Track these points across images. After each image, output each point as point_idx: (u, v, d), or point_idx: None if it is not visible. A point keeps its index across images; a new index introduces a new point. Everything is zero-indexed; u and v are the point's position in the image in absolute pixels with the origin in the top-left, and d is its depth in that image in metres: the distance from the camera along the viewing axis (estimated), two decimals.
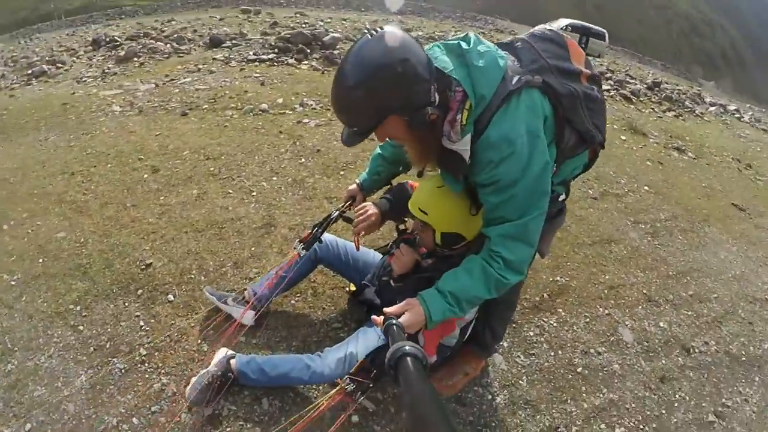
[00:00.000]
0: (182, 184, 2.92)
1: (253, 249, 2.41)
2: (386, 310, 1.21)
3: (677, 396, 2.20)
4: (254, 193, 2.91)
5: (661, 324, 2.67)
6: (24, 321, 1.91)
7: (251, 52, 6.56)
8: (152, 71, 6.08)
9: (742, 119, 11.99)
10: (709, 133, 8.40)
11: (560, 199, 1.46)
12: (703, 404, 2.21)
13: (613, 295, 2.80)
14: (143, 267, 2.21)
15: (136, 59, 6.45)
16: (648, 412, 2.07)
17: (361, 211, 1.63)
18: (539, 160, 1.13)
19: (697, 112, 10.06)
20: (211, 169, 3.13)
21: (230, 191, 2.89)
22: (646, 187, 4.43)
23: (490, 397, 1.92)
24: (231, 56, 6.64)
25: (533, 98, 1.14)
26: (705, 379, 2.37)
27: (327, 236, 1.93)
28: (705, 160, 6.19)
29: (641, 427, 1.99)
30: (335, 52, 6.92)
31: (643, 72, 15.56)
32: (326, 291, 2.22)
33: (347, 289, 2.13)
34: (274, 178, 3.14)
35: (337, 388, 1.40)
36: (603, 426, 1.94)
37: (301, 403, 1.65)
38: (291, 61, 6.31)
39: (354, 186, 1.79)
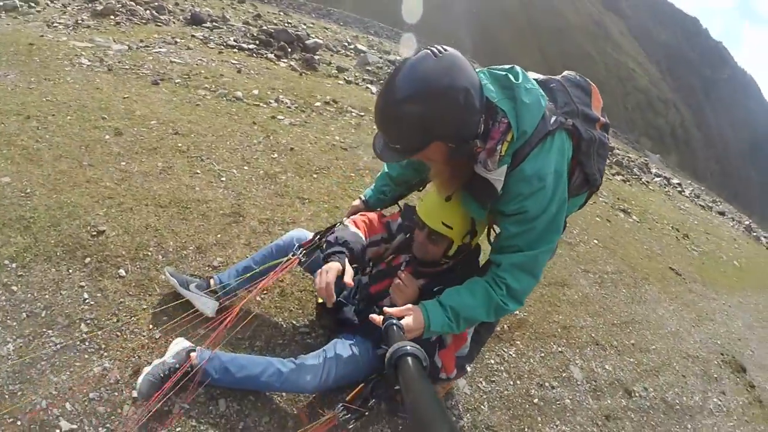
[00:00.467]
0: (146, 154, 2.73)
1: (218, 236, 2.31)
2: (387, 309, 1.24)
3: None
4: (223, 179, 2.80)
5: (607, 367, 2.93)
6: None
7: (232, 38, 6.55)
8: (127, 33, 5.81)
9: (683, 193, 13.73)
10: (652, 200, 9.52)
11: None
12: None
13: (566, 334, 3.02)
14: (94, 234, 2.01)
15: (112, 17, 6.15)
16: None
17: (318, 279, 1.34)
18: (560, 198, 1.23)
19: (643, 180, 11.38)
20: (179, 145, 2.97)
21: (198, 171, 2.75)
22: (595, 240, 4.91)
23: (454, 419, 1.95)
24: (210, 37, 6.57)
25: (563, 139, 1.23)
26: (644, 421, 2.59)
27: (310, 234, 1.89)
28: (647, 225, 6.99)
29: None
30: (315, 57, 7.03)
31: None
32: (294, 293, 2.16)
33: (316, 298, 2.09)
34: (245, 168, 3.05)
35: (328, 416, 1.35)
36: None
37: (262, 408, 1.56)
38: (270, 56, 6.33)
39: (358, 202, 1.79)
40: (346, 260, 1.38)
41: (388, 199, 1.81)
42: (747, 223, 16.04)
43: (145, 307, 1.78)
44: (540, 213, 1.21)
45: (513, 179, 1.20)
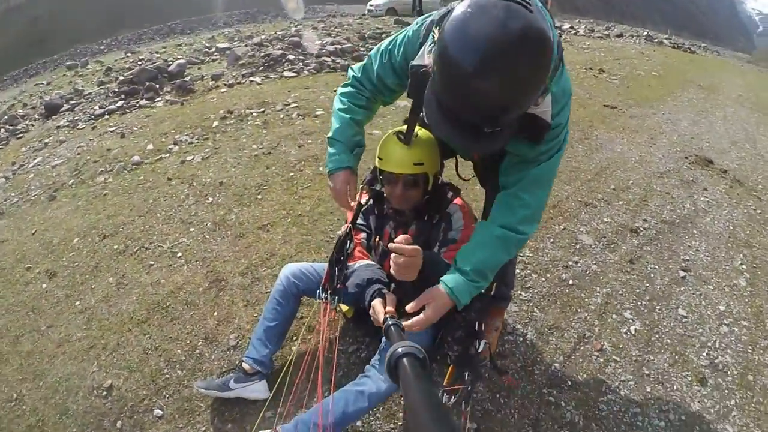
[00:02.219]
0: (92, 278, 2.49)
1: (215, 314, 2.20)
2: (407, 308, 1.23)
3: (649, 268, 2.68)
4: (179, 254, 2.62)
5: (606, 219, 3.21)
6: None
7: (97, 107, 6.20)
8: None
9: (578, 34, 14.50)
10: None
11: None
12: (670, 266, 2.71)
13: (558, 212, 3.25)
14: (104, 394, 1.85)
15: None
16: (637, 289, 2.48)
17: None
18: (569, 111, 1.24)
19: None
20: (115, 247, 2.72)
21: (151, 262, 2.55)
22: None
23: (521, 339, 2.09)
24: (76, 118, 6.15)
25: None
26: (659, 248, 2.90)
27: (302, 265, 1.84)
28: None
29: (640, 303, 2.38)
30: (186, 79, 6.62)
31: None
32: (321, 320, 2.18)
33: (341, 312, 2.10)
34: (192, 230, 2.86)
35: None
36: (615, 316, 2.28)
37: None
38: (143, 102, 6.02)
39: (342, 173, 1.50)
40: (385, 293, 1.38)
41: (363, 146, 1.61)
42: (645, 33, 17.30)
43: (204, 429, 1.71)
44: (565, 123, 1.23)
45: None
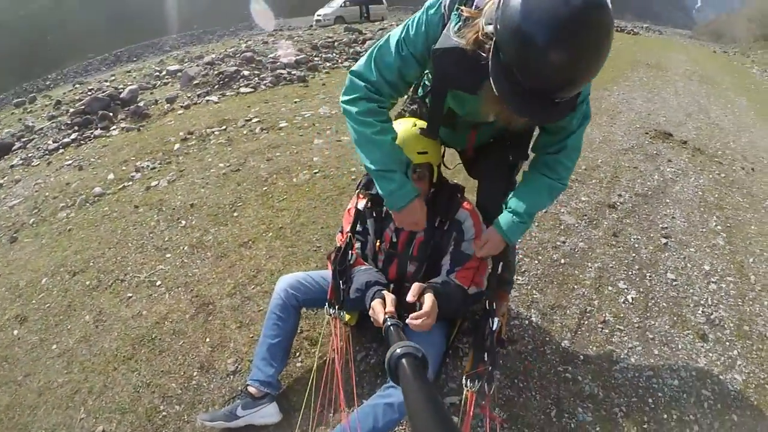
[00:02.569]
0: (66, 318, 2.29)
1: (208, 340, 2.07)
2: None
3: (632, 239, 2.77)
4: (158, 283, 2.46)
5: (583, 198, 3.29)
6: None
7: (50, 141, 5.99)
8: None
9: None
10: None
11: None
12: (651, 235, 2.82)
13: None
14: None
15: None
16: (625, 260, 2.57)
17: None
18: None
19: None
20: (87, 283, 2.52)
21: (129, 295, 2.38)
22: None
23: (527, 322, 2.10)
24: (29, 155, 5.93)
25: None
26: (638, 219, 3.01)
27: (298, 275, 1.77)
28: None
29: (630, 272, 2.46)
30: (140, 104, 6.44)
31: None
32: (323, 332, 2.10)
33: (343, 321, 2.04)
34: (168, 256, 2.71)
35: (465, 396, 1.32)
36: (610, 288, 2.34)
37: None
38: (98, 132, 5.83)
39: (416, 203, 1.40)
40: (384, 293, 1.37)
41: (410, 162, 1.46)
42: None
43: None
44: (588, 93, 1.32)
45: None
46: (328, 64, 8.35)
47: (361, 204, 1.67)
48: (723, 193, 3.47)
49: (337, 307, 1.53)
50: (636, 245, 2.73)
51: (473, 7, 1.08)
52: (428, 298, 1.26)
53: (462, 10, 1.10)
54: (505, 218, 1.43)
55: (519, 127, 1.26)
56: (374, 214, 1.68)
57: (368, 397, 1.51)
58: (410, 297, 1.24)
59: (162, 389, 1.84)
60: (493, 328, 1.38)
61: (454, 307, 1.42)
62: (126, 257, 2.73)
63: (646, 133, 4.68)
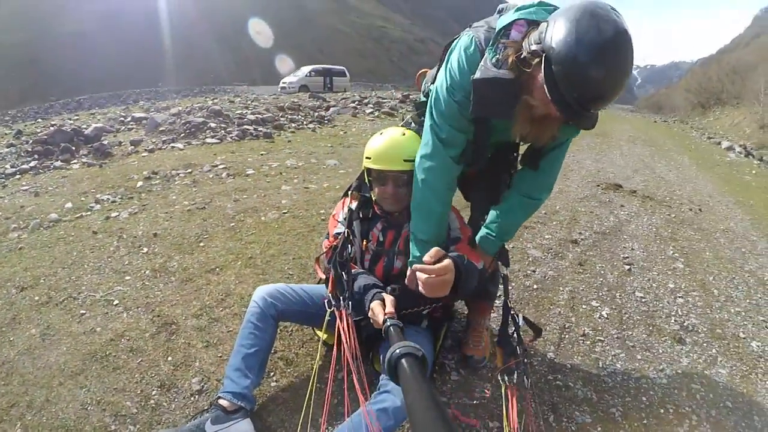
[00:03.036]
0: (9, 330, 1.99)
1: (170, 359, 1.86)
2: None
3: (597, 267, 2.91)
4: (116, 302, 2.23)
5: (547, 236, 3.46)
6: None
7: (8, 166, 5.79)
8: None
9: None
10: None
11: None
12: (615, 263, 2.99)
13: None
14: None
15: None
16: (594, 284, 2.68)
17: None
18: None
19: None
20: (36, 298, 2.23)
21: (82, 311, 2.12)
22: None
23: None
24: None
25: None
26: (602, 251, 3.20)
27: (277, 285, 1.71)
28: None
29: (601, 293, 2.57)
30: (104, 142, 6.32)
31: (387, 93, 19.50)
32: (298, 352, 1.97)
33: (318, 338, 1.93)
34: (128, 278, 2.49)
35: (506, 390, 1.35)
36: (584, 306, 2.42)
37: None
38: (58, 163, 5.68)
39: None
40: (383, 295, 1.39)
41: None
42: None
43: None
44: None
45: None
46: (293, 125, 8.66)
47: (354, 204, 1.70)
48: (675, 229, 3.78)
49: (340, 299, 1.46)
50: (602, 272, 2.86)
51: (509, 38, 1.20)
52: (446, 261, 1.21)
53: (504, 42, 1.20)
54: (487, 241, 1.55)
55: (542, 143, 1.38)
56: (360, 216, 1.71)
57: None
58: (427, 257, 1.19)
59: (114, 407, 1.61)
60: (519, 323, 1.51)
61: (471, 282, 1.38)
62: (80, 277, 2.49)
63: (598, 185, 5.11)
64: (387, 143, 1.54)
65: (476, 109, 1.28)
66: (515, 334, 1.47)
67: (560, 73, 1.03)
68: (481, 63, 1.23)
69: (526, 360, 1.38)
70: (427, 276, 1.19)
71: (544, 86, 1.07)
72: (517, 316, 1.49)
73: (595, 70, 1.01)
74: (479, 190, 1.75)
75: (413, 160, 1.49)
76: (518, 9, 1.23)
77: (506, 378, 1.35)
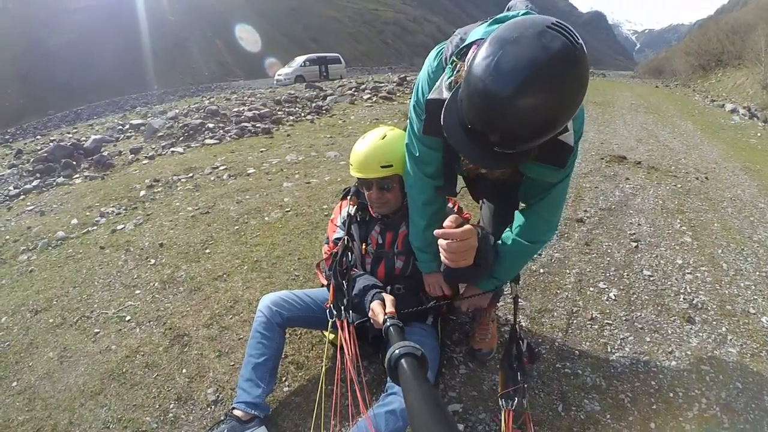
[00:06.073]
0: (28, 355, 2.07)
1: (184, 371, 1.91)
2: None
3: (604, 246, 2.89)
4: (128, 318, 2.29)
5: None
6: None
7: (11, 187, 5.78)
8: None
9: None
10: None
11: None
12: (621, 240, 2.96)
13: None
14: None
15: None
16: (601, 264, 2.67)
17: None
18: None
19: None
20: (51, 321, 2.31)
21: (96, 330, 2.19)
22: None
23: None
24: None
25: None
26: (608, 229, 3.17)
27: (281, 293, 1.74)
28: None
29: (608, 273, 2.55)
30: (104, 154, 6.34)
31: (384, 76, 19.26)
32: (308, 355, 2.01)
33: (326, 340, 1.97)
34: (138, 292, 2.55)
35: (504, 415, 1.39)
36: (592, 289, 2.41)
37: None
38: (60, 179, 5.69)
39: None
40: (383, 295, 1.39)
41: None
42: None
43: None
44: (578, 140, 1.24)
45: None
46: (291, 118, 8.59)
47: (353, 209, 1.72)
48: (682, 200, 3.73)
49: (342, 308, 1.48)
50: (609, 251, 2.84)
51: (465, 58, 1.08)
52: (467, 226, 1.14)
53: (456, 62, 1.11)
54: (489, 283, 1.53)
55: (494, 175, 1.35)
56: (358, 219, 1.73)
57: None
58: (448, 222, 1.12)
59: (135, 423, 1.67)
60: (523, 349, 1.52)
61: (491, 253, 1.39)
62: (92, 295, 2.55)
63: (602, 158, 5.03)
64: (365, 151, 1.54)
65: (426, 130, 1.23)
66: (517, 360, 1.49)
67: (463, 93, 0.92)
68: (438, 82, 1.17)
69: (525, 386, 1.42)
70: (449, 241, 1.12)
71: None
72: (522, 342, 1.52)
73: (501, 96, 0.83)
74: (489, 202, 1.77)
75: (391, 165, 1.51)
76: (495, 21, 1.11)
77: (505, 403, 1.41)
